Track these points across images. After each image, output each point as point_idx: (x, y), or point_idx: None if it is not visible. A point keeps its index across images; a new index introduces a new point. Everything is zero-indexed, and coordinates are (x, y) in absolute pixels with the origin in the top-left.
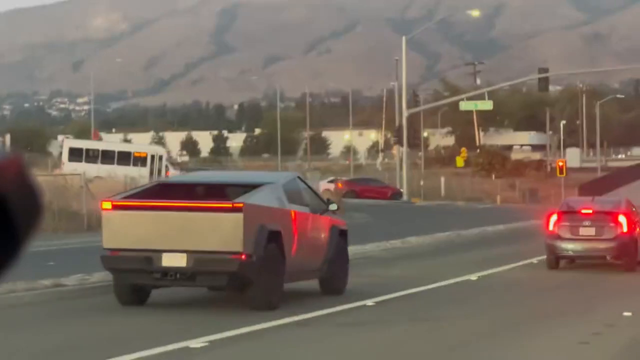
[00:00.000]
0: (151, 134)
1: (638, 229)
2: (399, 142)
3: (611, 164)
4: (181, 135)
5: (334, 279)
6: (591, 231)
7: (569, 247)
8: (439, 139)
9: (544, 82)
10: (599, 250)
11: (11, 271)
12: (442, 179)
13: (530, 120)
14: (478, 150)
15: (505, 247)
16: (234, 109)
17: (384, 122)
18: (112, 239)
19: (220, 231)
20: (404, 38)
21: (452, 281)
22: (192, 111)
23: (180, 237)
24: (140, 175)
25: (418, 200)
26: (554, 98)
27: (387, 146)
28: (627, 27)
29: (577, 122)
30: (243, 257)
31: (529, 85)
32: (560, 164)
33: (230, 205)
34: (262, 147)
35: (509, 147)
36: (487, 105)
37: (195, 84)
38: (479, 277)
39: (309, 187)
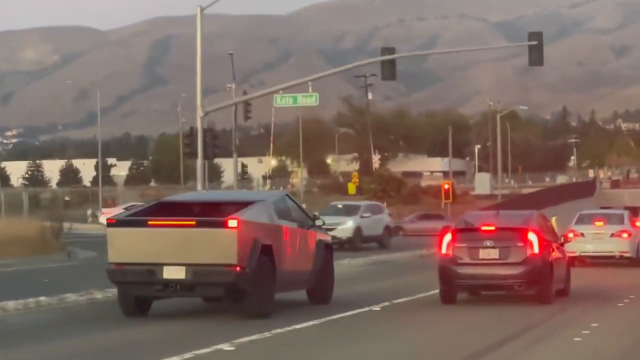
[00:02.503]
0: (27, 162)
1: (556, 250)
2: (192, 153)
3: (526, 190)
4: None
5: (320, 289)
6: (494, 253)
7: (467, 274)
8: (344, 165)
9: (389, 67)
10: (504, 277)
11: None
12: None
13: (446, 145)
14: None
15: None
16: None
17: (271, 147)
18: (116, 253)
19: (217, 245)
20: (198, 8)
21: None
22: (116, 143)
23: (180, 251)
24: None
25: None
26: (473, 123)
27: (285, 173)
28: (558, 58)
29: (488, 144)
30: (238, 269)
31: (444, 110)
32: (446, 186)
33: (225, 222)
34: (149, 175)
35: (419, 174)
36: (310, 99)
37: (127, 116)
38: None
39: (297, 205)
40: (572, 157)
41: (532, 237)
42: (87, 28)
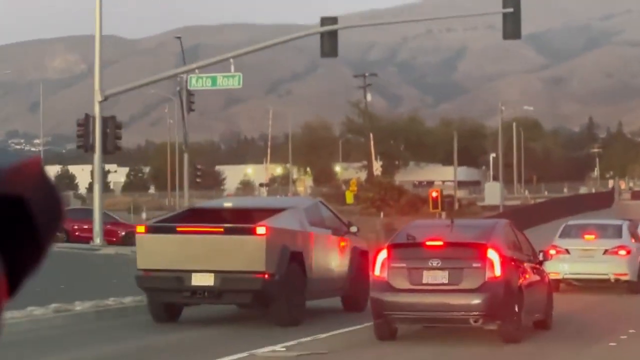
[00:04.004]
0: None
1: (531, 272)
2: (86, 145)
3: (540, 201)
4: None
5: (355, 297)
6: (442, 276)
7: (406, 304)
8: (352, 173)
9: (329, 41)
10: (456, 308)
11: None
12: None
13: (461, 154)
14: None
15: None
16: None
17: (268, 154)
18: (145, 260)
19: (245, 252)
20: None
21: None
22: (136, 151)
23: (208, 258)
24: None
25: None
26: (492, 132)
27: (285, 180)
28: (587, 70)
29: (492, 155)
30: (266, 276)
31: (460, 118)
32: (434, 194)
33: (254, 229)
34: (147, 182)
35: (431, 183)
36: (232, 80)
37: (154, 125)
38: None
39: (331, 212)
40: (596, 168)
41: (492, 255)
42: (115, 37)
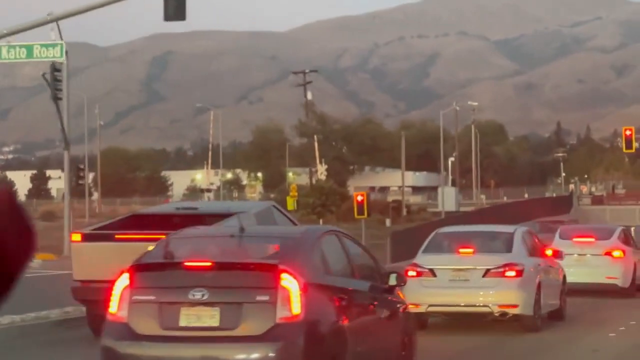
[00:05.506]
0: None
1: (367, 305)
2: None
3: (487, 207)
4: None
5: None
6: (209, 317)
7: (154, 358)
8: (305, 178)
9: (175, 8)
10: None
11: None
12: None
13: (422, 159)
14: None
15: None
16: None
17: (209, 159)
18: (82, 270)
19: None
20: None
21: None
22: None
23: None
24: None
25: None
26: (452, 136)
27: (235, 186)
28: (558, 76)
29: (451, 159)
30: None
31: (425, 118)
32: (360, 198)
33: None
34: (90, 188)
35: (385, 189)
36: (54, 51)
37: (125, 132)
38: None
39: (286, 216)
40: (563, 174)
41: (288, 282)
42: (86, 44)
